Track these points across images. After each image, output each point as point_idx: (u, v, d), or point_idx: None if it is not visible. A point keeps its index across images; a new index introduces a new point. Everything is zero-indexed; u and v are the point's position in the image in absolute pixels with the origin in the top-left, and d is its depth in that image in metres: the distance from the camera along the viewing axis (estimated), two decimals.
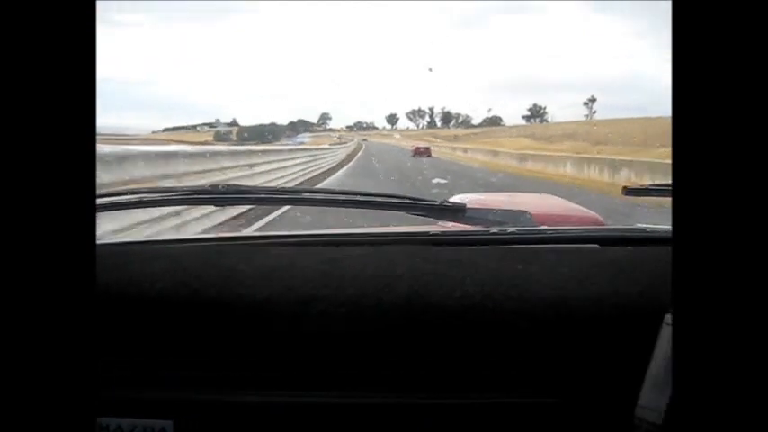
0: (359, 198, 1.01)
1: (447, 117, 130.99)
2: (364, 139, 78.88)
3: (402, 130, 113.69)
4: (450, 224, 1.03)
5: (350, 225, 1.40)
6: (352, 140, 46.59)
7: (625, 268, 0.82)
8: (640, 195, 1.15)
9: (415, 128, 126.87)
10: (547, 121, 69.15)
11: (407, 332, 0.73)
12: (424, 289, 0.75)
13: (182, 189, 1.02)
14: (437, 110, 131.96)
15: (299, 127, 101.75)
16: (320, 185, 8.88)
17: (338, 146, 31.28)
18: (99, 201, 0.92)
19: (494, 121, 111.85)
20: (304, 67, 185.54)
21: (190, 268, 0.76)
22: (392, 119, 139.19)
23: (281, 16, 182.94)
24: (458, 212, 1.01)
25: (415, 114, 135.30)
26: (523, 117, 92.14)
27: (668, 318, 0.66)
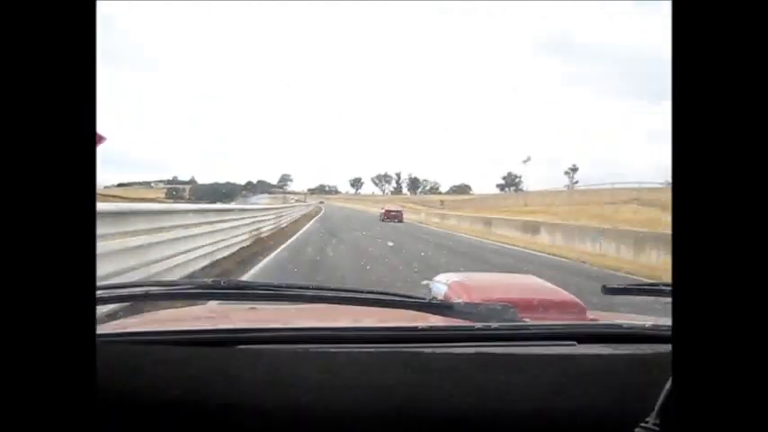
0: (356, 296, 1.11)
1: (414, 183, 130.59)
2: (321, 202, 75.08)
3: (367, 196, 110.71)
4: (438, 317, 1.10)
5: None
6: (305, 204, 43.84)
7: (600, 375, 0.92)
8: (619, 294, 1.24)
9: (381, 193, 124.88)
10: (522, 190, 67.01)
11: None
12: (416, 401, 0.84)
13: (185, 283, 1.12)
14: (404, 175, 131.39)
15: (255, 187, 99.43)
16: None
17: (287, 206, 29.95)
18: (102, 293, 1.00)
19: (462, 190, 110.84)
20: (266, 125, 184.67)
21: (197, 375, 0.84)
22: (357, 183, 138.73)
23: (245, 70, 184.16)
24: (445, 309, 1.09)
25: (381, 179, 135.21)
26: (497, 186, 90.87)
27: None
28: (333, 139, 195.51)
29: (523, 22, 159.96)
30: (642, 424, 0.73)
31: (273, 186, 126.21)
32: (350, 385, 0.86)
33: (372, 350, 0.94)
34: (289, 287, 1.14)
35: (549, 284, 1.71)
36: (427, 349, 0.95)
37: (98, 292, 0.96)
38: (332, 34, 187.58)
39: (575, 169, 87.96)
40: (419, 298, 1.13)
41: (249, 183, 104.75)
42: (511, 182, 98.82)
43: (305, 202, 56.88)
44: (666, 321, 1.11)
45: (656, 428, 0.72)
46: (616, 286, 1.23)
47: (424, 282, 1.93)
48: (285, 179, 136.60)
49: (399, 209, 36.69)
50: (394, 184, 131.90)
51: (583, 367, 0.94)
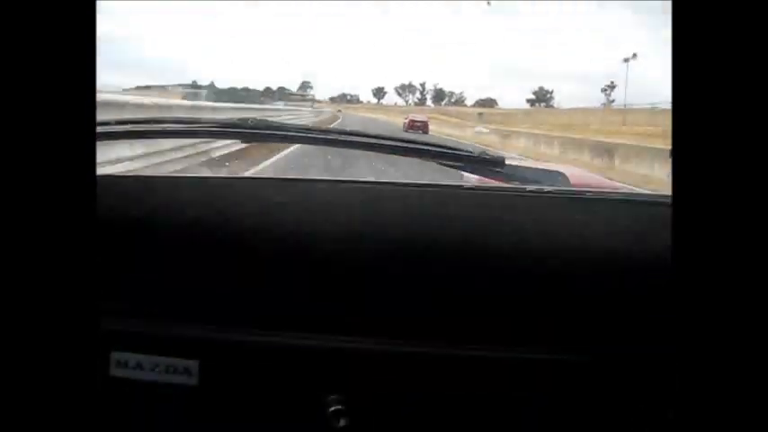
0: (390, 143, 1.02)
1: (439, 94, 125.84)
2: (339, 111, 70.69)
3: (389, 106, 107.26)
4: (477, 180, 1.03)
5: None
6: (312, 110, 41.79)
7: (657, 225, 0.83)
8: None
9: (404, 103, 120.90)
10: (553, 107, 63.31)
11: (463, 279, 0.76)
12: (478, 232, 0.78)
13: (209, 122, 1.05)
14: (428, 86, 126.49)
15: (274, 93, 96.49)
16: None
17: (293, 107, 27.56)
18: (122, 128, 0.95)
19: (488, 104, 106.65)
20: (287, 30, 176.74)
21: (220, 199, 0.78)
22: (379, 92, 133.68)
23: None
24: (497, 165, 1.00)
25: (404, 89, 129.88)
26: (528, 101, 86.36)
27: None
28: (355, 46, 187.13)
29: None
30: None
31: (293, 94, 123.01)
32: (399, 213, 0.80)
33: (416, 190, 0.91)
34: (321, 131, 1.08)
35: (594, 174, 1.66)
36: (477, 192, 0.92)
37: (116, 128, 0.92)
38: None
39: (612, 86, 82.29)
40: (466, 150, 1.05)
41: (267, 88, 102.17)
42: (542, 97, 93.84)
43: (311, 107, 53.81)
44: None
45: None
46: None
47: (477, 129, 2.29)
48: (305, 86, 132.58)
49: (425, 119, 33.13)
50: (418, 95, 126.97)
51: (662, 218, 0.80)
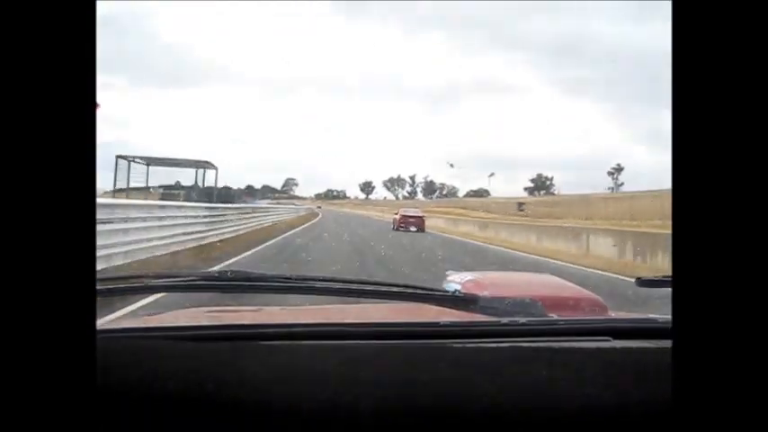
0: (372, 288, 1.08)
1: (430, 187, 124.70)
2: (319, 207, 71.01)
3: (378, 201, 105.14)
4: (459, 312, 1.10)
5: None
6: (300, 208, 41.00)
7: (649, 368, 0.88)
8: (655, 287, 1.25)
9: (394, 198, 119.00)
10: (553, 194, 60.64)
11: None
12: (450, 398, 0.78)
13: (188, 275, 1.11)
14: (419, 179, 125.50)
15: (256, 191, 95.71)
16: None
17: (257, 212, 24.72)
18: (102, 286, 1.02)
19: (479, 194, 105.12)
20: (272, 129, 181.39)
21: (203, 369, 0.80)
22: (367, 187, 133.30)
23: (249, 72, 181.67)
24: (470, 303, 1.07)
25: (393, 183, 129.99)
26: (526, 189, 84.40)
27: None
28: (341, 141, 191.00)
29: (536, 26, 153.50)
30: None
31: (277, 191, 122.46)
32: (375, 381, 0.80)
33: (396, 345, 0.92)
34: (300, 279, 1.13)
35: (567, 282, 1.69)
36: (455, 344, 0.93)
37: (98, 286, 0.95)
38: (339, 34, 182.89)
39: (619, 169, 79.89)
40: (440, 290, 1.13)
41: (249, 186, 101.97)
42: (541, 185, 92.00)
43: (293, 205, 55.25)
44: None
45: None
46: (651, 278, 1.24)
47: (448, 272, 1.76)
48: (290, 183, 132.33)
49: (419, 213, 29.79)
50: (408, 188, 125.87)
51: (629, 361, 0.91)
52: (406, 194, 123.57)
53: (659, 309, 1.18)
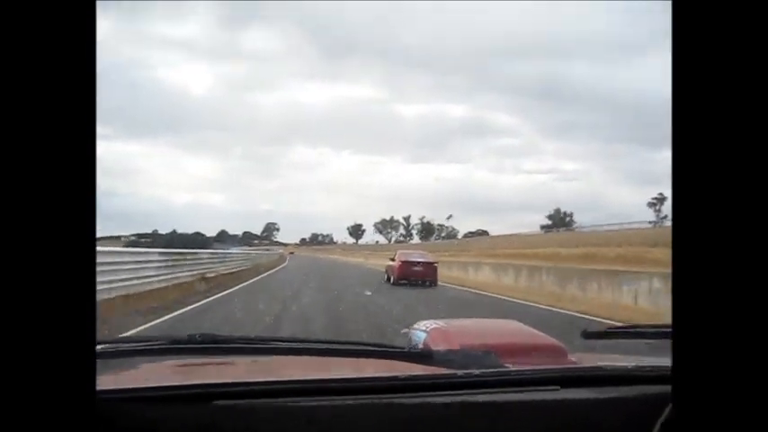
0: (334, 347, 1.25)
1: (428, 229, 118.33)
2: (291, 252, 67.78)
3: (370, 245, 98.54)
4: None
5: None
6: (272, 253, 36.85)
7: (586, 420, 1.01)
8: (599, 339, 1.45)
9: (386, 242, 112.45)
10: (573, 230, 54.31)
11: None
12: None
13: (155, 339, 1.21)
14: (413, 220, 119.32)
15: (227, 237, 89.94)
16: None
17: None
18: None
19: (477, 236, 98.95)
20: (252, 172, 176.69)
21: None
22: (357, 231, 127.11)
23: (224, 114, 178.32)
24: (425, 357, 1.20)
25: (385, 225, 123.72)
26: (543, 227, 77.74)
27: None
28: (326, 185, 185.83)
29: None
30: None
31: (258, 237, 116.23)
32: None
33: (354, 401, 1.01)
34: (264, 340, 1.26)
35: (529, 328, 1.79)
36: (410, 399, 1.02)
37: None
38: (325, 81, 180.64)
39: (661, 199, 72.69)
40: (398, 347, 1.26)
41: (222, 232, 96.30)
42: (560, 221, 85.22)
43: (266, 250, 53.69)
44: (648, 362, 1.21)
45: None
46: (596, 331, 1.39)
47: (404, 331, 1.91)
48: (270, 228, 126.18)
49: (429, 259, 21.34)
50: (402, 230, 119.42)
51: (568, 413, 1.02)
52: (401, 238, 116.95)
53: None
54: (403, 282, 18.66)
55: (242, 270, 23.67)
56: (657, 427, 0.85)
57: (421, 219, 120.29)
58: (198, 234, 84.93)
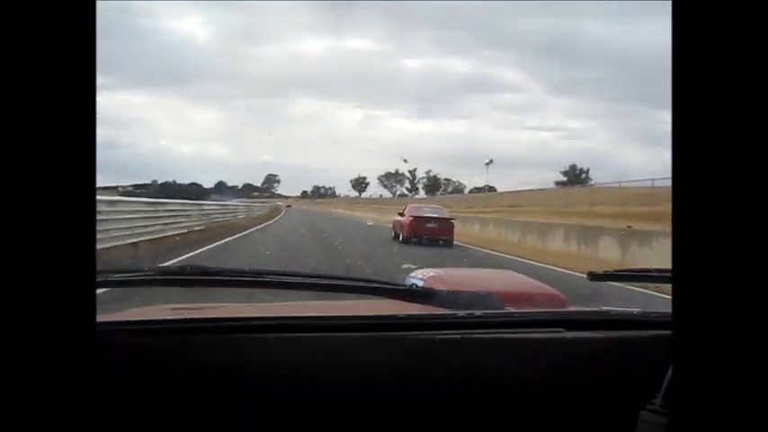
0: (329, 282, 1.17)
1: (434, 183, 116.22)
2: (289, 206, 67.12)
3: (374, 199, 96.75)
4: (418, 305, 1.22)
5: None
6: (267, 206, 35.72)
7: (595, 359, 1.01)
8: (605, 280, 1.41)
9: (390, 195, 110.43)
10: (591, 185, 52.00)
11: (394, 426, 0.93)
12: (403, 387, 0.93)
13: (147, 270, 1.17)
14: (419, 173, 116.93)
15: (225, 189, 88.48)
16: None
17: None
18: None
19: (483, 191, 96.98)
20: (251, 119, 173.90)
21: (178, 365, 0.92)
22: (360, 184, 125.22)
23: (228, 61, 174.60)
24: (427, 296, 1.17)
25: (390, 179, 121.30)
26: (558, 183, 75.52)
27: (644, 415, 0.80)
28: (328, 137, 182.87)
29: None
30: (648, 406, 0.80)
31: (256, 189, 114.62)
32: (330, 370, 0.93)
33: (354, 336, 1.01)
34: (258, 273, 1.18)
35: (528, 278, 1.79)
36: (410, 336, 1.01)
37: None
38: (328, 34, 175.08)
39: None
40: (399, 285, 1.21)
41: (220, 183, 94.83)
42: (575, 178, 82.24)
43: (261, 203, 53.01)
44: (652, 309, 1.19)
45: (663, 411, 0.78)
46: (602, 272, 1.33)
47: (405, 266, 1.99)
48: (271, 180, 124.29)
49: (445, 214, 19.09)
50: (407, 184, 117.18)
51: (576, 351, 1.01)
52: (406, 191, 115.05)
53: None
54: (416, 238, 16.98)
55: (218, 226, 20.93)
56: (672, 367, 0.83)
57: (427, 172, 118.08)
58: (194, 184, 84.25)
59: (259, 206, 45.35)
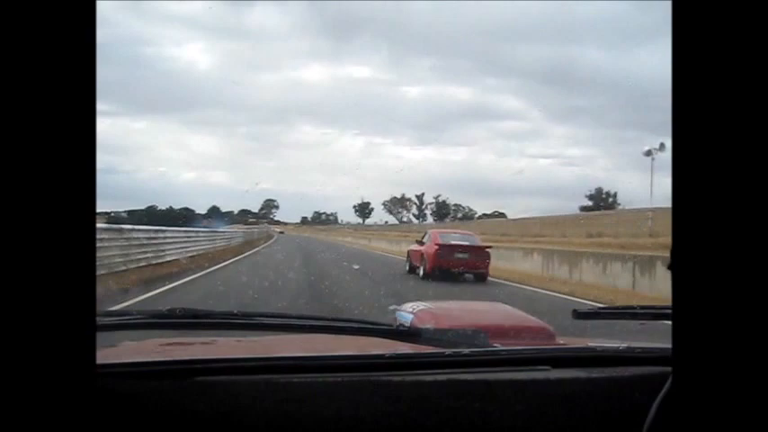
0: (318, 323, 1.21)
1: (443, 209, 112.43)
2: (281, 232, 66.18)
3: (379, 226, 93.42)
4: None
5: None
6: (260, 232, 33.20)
7: (578, 399, 1.00)
8: (589, 319, 1.42)
9: (396, 222, 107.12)
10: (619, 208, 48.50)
11: None
12: (394, 430, 0.93)
13: (137, 313, 1.21)
14: (427, 198, 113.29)
15: (218, 215, 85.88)
16: None
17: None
18: None
19: (493, 218, 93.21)
20: (253, 147, 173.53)
21: (154, 409, 0.93)
22: (364, 210, 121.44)
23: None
24: (413, 335, 1.18)
25: (395, 204, 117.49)
26: (583, 208, 71.51)
27: None
28: (328, 163, 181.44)
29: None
30: None
31: (253, 215, 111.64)
32: (316, 416, 0.93)
33: (338, 379, 1.01)
34: (248, 315, 1.22)
35: (517, 311, 1.79)
36: (396, 377, 1.02)
37: None
38: (329, 61, 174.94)
39: None
40: (386, 324, 1.23)
41: (213, 208, 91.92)
42: (603, 201, 77.86)
43: (256, 229, 51.65)
44: (638, 344, 1.19)
45: None
46: (587, 311, 1.36)
47: (392, 307, 1.93)
48: (269, 206, 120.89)
49: (478, 242, 16.01)
50: (414, 210, 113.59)
51: (559, 392, 1.01)
52: (413, 218, 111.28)
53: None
54: (442, 268, 14.10)
55: (196, 256, 18.73)
56: (654, 407, 0.88)
57: (436, 197, 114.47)
58: (186, 209, 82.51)
59: (241, 233, 42.32)
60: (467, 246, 15.17)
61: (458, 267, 14.32)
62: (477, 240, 16.26)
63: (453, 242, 15.22)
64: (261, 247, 34.81)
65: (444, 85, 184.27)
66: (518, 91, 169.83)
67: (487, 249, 15.40)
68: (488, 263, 14.90)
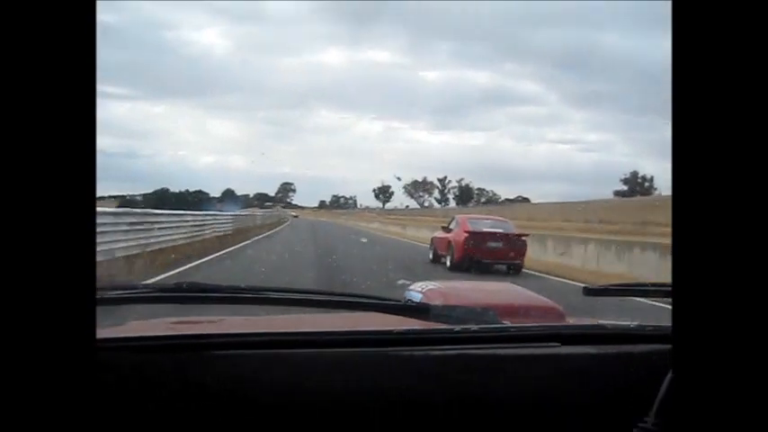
0: (327, 298, 1.22)
1: (466, 193, 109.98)
2: (296, 216, 65.27)
3: (399, 210, 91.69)
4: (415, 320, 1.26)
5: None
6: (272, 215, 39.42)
7: (588, 374, 1.02)
8: (600, 295, 1.43)
9: (417, 206, 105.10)
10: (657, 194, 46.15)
11: None
12: (396, 404, 0.94)
13: (143, 287, 1.24)
14: (451, 182, 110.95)
15: (233, 198, 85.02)
16: None
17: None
18: None
19: (516, 202, 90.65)
20: (270, 130, 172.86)
21: (164, 382, 0.93)
22: (383, 193, 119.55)
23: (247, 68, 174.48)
24: (423, 311, 1.18)
25: (417, 188, 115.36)
26: (617, 193, 68.82)
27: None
28: (347, 147, 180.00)
29: None
30: (640, 424, 0.82)
31: (270, 198, 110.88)
32: (324, 389, 0.94)
33: (346, 353, 1.02)
34: (255, 290, 1.21)
35: (527, 291, 1.80)
36: (405, 352, 1.03)
37: None
38: (348, 46, 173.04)
39: None
40: (394, 300, 1.23)
41: (228, 190, 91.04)
42: (638, 186, 74.54)
43: (270, 212, 51.82)
44: (648, 323, 1.20)
45: (655, 429, 0.80)
46: (597, 287, 1.35)
47: (400, 281, 2.00)
48: (286, 189, 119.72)
49: (512, 229, 14.60)
50: (437, 194, 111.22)
51: (569, 367, 1.02)
52: (435, 202, 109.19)
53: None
54: (472, 259, 12.81)
55: (186, 244, 16.70)
56: (665, 383, 0.87)
57: (459, 181, 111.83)
58: (200, 192, 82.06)
59: (247, 217, 38.86)
60: (500, 233, 13.93)
61: (490, 258, 13.27)
62: (512, 227, 14.97)
63: (485, 229, 13.97)
64: (250, 240, 22.76)
65: (463, 69, 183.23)
66: (536, 76, 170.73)
67: (524, 238, 14.17)
68: (525, 252, 13.79)
